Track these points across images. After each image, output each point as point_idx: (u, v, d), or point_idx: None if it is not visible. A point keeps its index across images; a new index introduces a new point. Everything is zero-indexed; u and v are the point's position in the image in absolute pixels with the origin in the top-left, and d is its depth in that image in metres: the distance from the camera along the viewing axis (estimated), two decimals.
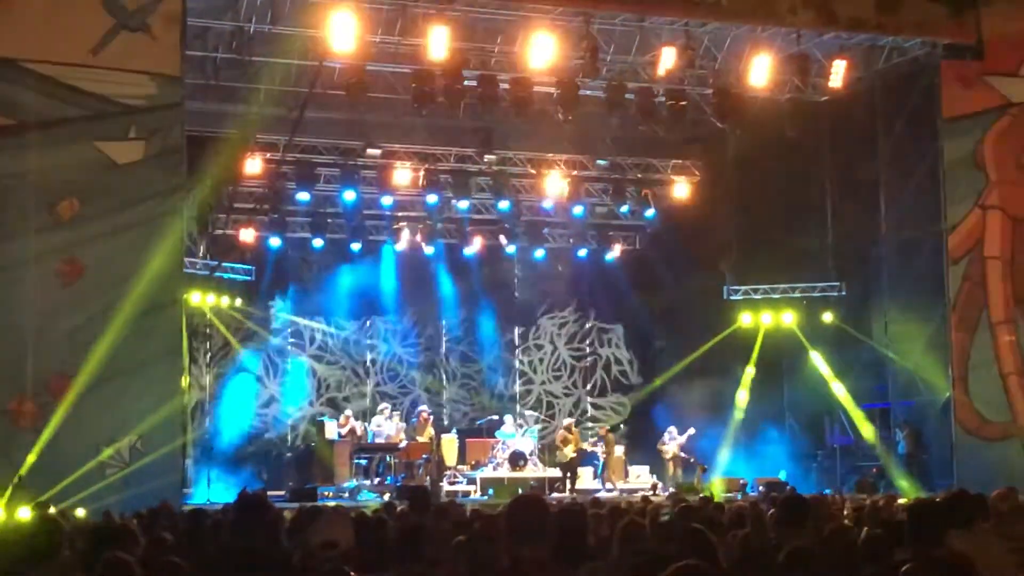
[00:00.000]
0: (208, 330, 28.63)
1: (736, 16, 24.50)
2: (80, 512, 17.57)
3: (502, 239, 31.73)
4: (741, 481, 26.73)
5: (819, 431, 28.57)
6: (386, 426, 27.59)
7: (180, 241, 22.31)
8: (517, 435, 28.81)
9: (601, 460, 28.19)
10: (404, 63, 24.35)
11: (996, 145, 25.00)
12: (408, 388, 31.91)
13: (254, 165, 27.34)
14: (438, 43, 23.03)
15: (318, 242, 30.23)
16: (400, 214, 30.93)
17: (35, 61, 21.08)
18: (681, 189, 30.95)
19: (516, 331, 33.31)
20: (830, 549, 7.60)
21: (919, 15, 24.61)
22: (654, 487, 26.77)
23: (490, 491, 25.79)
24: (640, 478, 28.51)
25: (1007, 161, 25.05)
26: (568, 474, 26.92)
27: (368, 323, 31.69)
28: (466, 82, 24.26)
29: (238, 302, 28.80)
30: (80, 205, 21.16)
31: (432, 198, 29.59)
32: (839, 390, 27.61)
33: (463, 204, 30.40)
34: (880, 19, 24.44)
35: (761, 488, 25.65)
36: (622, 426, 30.89)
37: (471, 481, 27.03)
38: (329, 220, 30.19)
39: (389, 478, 26.58)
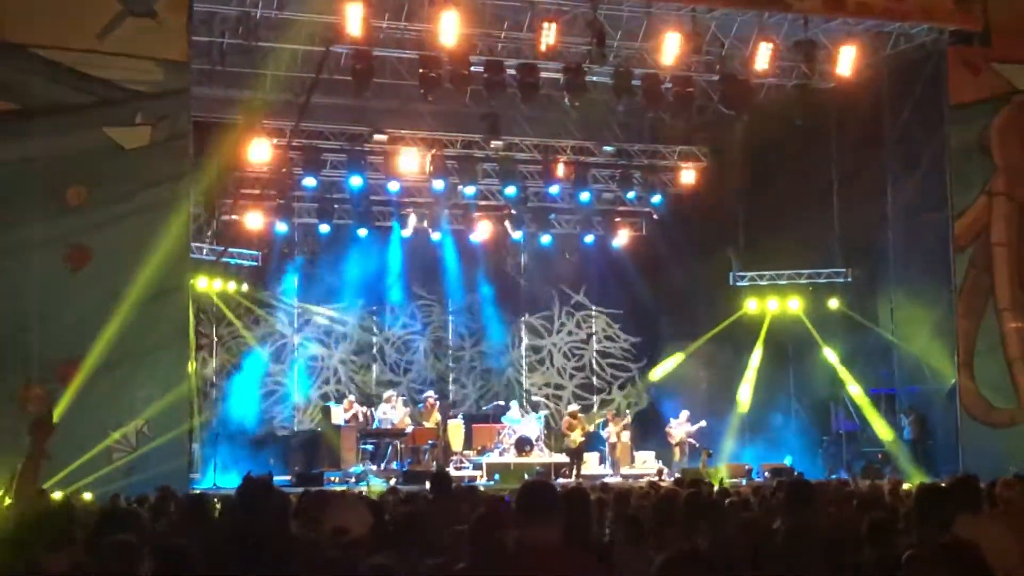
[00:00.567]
0: (215, 315, 28.68)
1: (743, 2, 24.50)
2: (87, 496, 17.66)
3: (508, 225, 31.73)
4: (746, 467, 26.78)
5: (825, 417, 28.56)
6: (391, 413, 27.64)
7: (187, 226, 22.36)
8: (523, 421, 28.86)
9: (609, 444, 28.18)
10: (411, 49, 24.34)
11: (1003, 132, 24.99)
12: (415, 374, 31.94)
13: (261, 150, 27.32)
14: (446, 29, 23.02)
15: (325, 228, 30.26)
16: (406, 200, 30.90)
17: (42, 47, 21.13)
18: (688, 176, 30.92)
19: (522, 317, 33.32)
20: (833, 532, 7.63)
21: (926, 1, 24.58)
22: (660, 472, 26.80)
23: (496, 476, 25.82)
24: (646, 464, 28.54)
25: (1014, 148, 25.03)
26: (574, 460, 26.95)
27: (374, 309, 31.71)
28: (473, 68, 24.25)
29: (245, 287, 28.87)
30: (87, 191, 21.23)
31: (439, 184, 29.56)
32: (845, 376, 27.61)
33: (470, 190, 30.39)
34: (887, 5, 24.40)
35: (767, 474, 25.72)
36: (628, 412, 30.90)
37: (477, 466, 27.06)
38: (336, 206, 30.19)
39: (396, 463, 26.65)
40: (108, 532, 7.25)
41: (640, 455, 29.04)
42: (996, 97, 25.11)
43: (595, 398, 33.24)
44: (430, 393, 29.29)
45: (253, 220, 29.05)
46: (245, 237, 29.02)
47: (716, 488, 15.76)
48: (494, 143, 29.13)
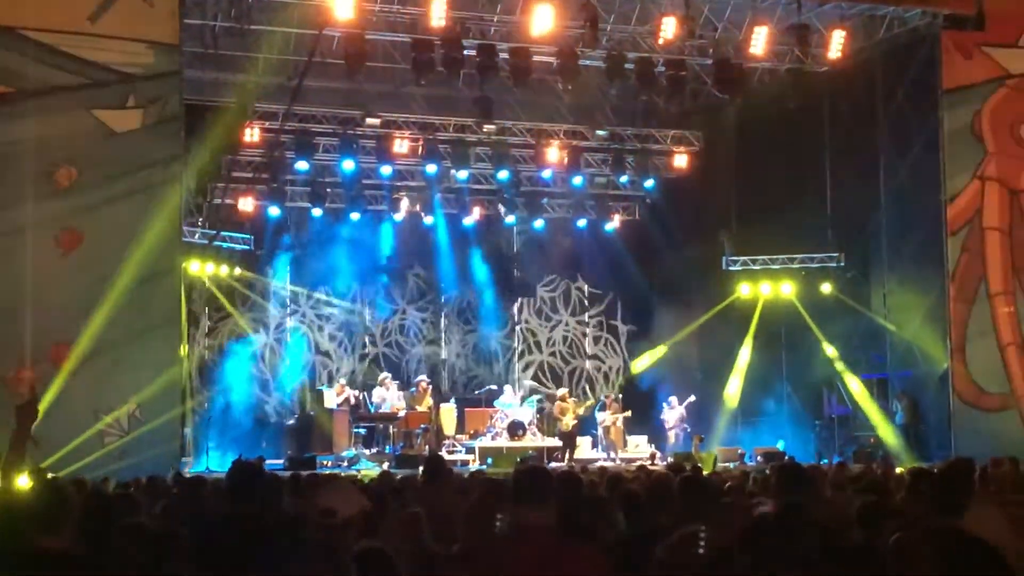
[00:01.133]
0: (207, 299, 28.65)
1: None
2: (80, 479, 17.61)
3: (501, 209, 31.74)
4: (739, 451, 26.81)
5: (817, 401, 28.59)
6: (386, 396, 27.64)
7: (178, 210, 22.34)
8: (516, 405, 28.90)
9: (604, 428, 28.17)
10: (403, 32, 24.28)
11: (994, 116, 24.97)
12: (407, 357, 31.95)
13: (253, 134, 27.31)
14: (438, 12, 22.96)
15: (317, 211, 30.21)
16: (399, 184, 30.89)
17: (33, 29, 21.08)
18: (681, 160, 30.91)
19: (515, 301, 33.33)
20: (828, 516, 7.63)
21: None
22: (652, 456, 26.82)
23: (489, 460, 25.84)
24: (639, 448, 28.57)
25: (1004, 132, 25.02)
26: (567, 444, 26.96)
27: (367, 292, 31.69)
28: (465, 52, 24.19)
29: (237, 271, 28.84)
30: (78, 173, 21.20)
31: (431, 168, 29.52)
32: (837, 361, 27.63)
33: (462, 174, 30.33)
34: None
35: (759, 458, 25.74)
36: (620, 396, 30.92)
37: (470, 450, 27.09)
38: (328, 189, 30.14)
39: (388, 447, 26.66)
40: (101, 515, 7.24)
41: (633, 439, 29.07)
42: (988, 81, 25.08)
43: (587, 382, 33.26)
44: (423, 377, 29.30)
45: (245, 204, 29.02)
46: (237, 220, 28.98)
47: (708, 472, 15.80)
48: (487, 127, 29.08)
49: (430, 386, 28.73)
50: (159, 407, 21.10)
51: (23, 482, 16.09)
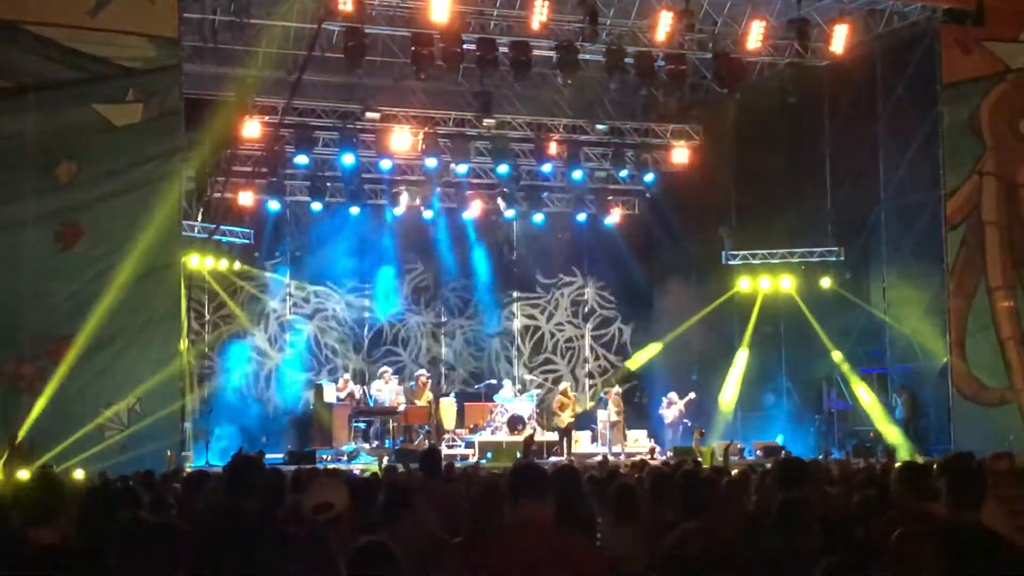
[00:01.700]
0: (206, 293, 28.65)
1: None
2: (79, 474, 17.65)
3: (501, 203, 31.68)
4: (739, 445, 26.80)
5: (817, 396, 28.59)
6: (385, 390, 27.66)
7: (178, 204, 22.36)
8: (515, 399, 28.90)
9: (604, 422, 28.13)
10: (403, 26, 24.27)
11: (993, 111, 24.97)
12: (407, 352, 31.95)
13: (252, 128, 27.26)
14: (439, 6, 22.94)
15: (317, 205, 30.17)
16: (399, 178, 30.87)
17: (34, 23, 21.07)
18: (680, 154, 30.85)
19: (515, 295, 33.32)
20: (829, 510, 7.64)
21: None
22: (652, 451, 26.83)
23: (488, 455, 25.85)
24: (638, 442, 28.57)
25: (1003, 127, 25.02)
26: (565, 438, 26.95)
27: (366, 287, 31.68)
28: (465, 46, 24.19)
29: (236, 265, 28.84)
30: (78, 167, 21.19)
31: (431, 162, 29.48)
32: (837, 355, 27.63)
33: (462, 168, 30.31)
34: None
35: (759, 452, 25.78)
36: (620, 390, 30.92)
37: (469, 445, 27.10)
38: (328, 183, 30.11)
39: (388, 441, 26.67)
40: (100, 509, 7.24)
41: (632, 433, 29.06)
42: (988, 76, 25.08)
43: (586, 377, 33.28)
44: (422, 371, 29.34)
45: (245, 198, 28.99)
46: (237, 215, 28.97)
47: (708, 466, 15.80)
48: (486, 121, 29.04)
49: (430, 380, 28.79)
50: (159, 401, 21.12)
51: (23, 476, 16.14)
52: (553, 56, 24.94)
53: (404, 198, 30.97)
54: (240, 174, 28.95)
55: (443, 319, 32.61)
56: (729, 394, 29.32)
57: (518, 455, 24.67)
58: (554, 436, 27.44)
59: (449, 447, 26.65)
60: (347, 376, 28.79)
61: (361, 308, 31.63)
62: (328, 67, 26.19)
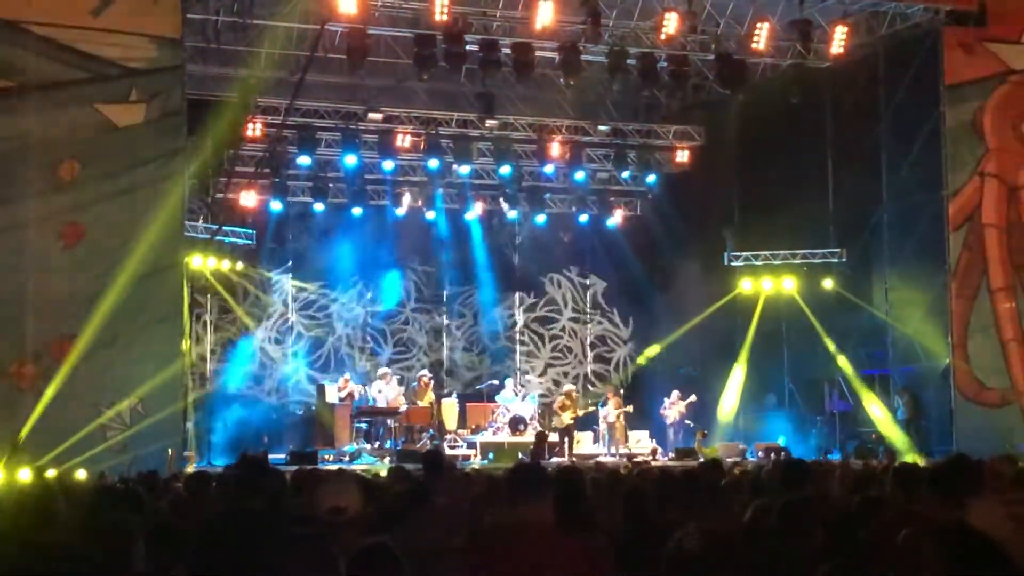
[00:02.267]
0: (209, 293, 28.65)
1: None
2: (81, 474, 17.64)
3: (503, 204, 31.70)
4: (741, 446, 26.81)
5: (819, 397, 28.60)
6: (386, 390, 27.67)
7: (181, 204, 22.35)
8: (517, 400, 28.90)
9: (607, 423, 28.09)
10: (406, 27, 24.27)
11: (995, 112, 24.97)
12: (409, 352, 31.98)
13: (255, 129, 27.28)
14: (441, 7, 22.95)
15: (319, 206, 30.21)
16: (401, 179, 30.90)
17: (36, 23, 21.05)
18: (682, 155, 30.86)
19: (517, 296, 33.34)
20: (831, 511, 7.64)
21: None
22: (654, 452, 26.82)
23: (490, 455, 25.86)
24: (640, 443, 28.55)
25: (1005, 129, 25.03)
26: (566, 439, 26.92)
27: (369, 287, 31.70)
28: (468, 47, 24.19)
29: (239, 266, 28.87)
30: (80, 167, 21.19)
31: (433, 163, 29.50)
32: (839, 356, 27.62)
33: (464, 169, 30.31)
34: None
35: (760, 453, 25.76)
36: (621, 391, 30.92)
37: (471, 445, 27.09)
38: (330, 184, 30.18)
39: (389, 442, 26.68)
40: (104, 511, 7.24)
41: (634, 434, 29.05)
42: (990, 77, 25.08)
43: (589, 377, 33.27)
44: (424, 372, 29.35)
45: (247, 198, 29.03)
46: (239, 215, 28.99)
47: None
48: (489, 122, 29.04)
49: (431, 381, 28.79)
50: (161, 401, 21.10)
51: (24, 476, 16.14)
52: (555, 57, 24.96)
53: (406, 199, 31.00)
54: (243, 175, 28.96)
55: (445, 320, 32.63)
56: (731, 395, 29.31)
57: (525, 453, 24.69)
58: (554, 437, 27.41)
59: (451, 448, 26.66)
60: (347, 376, 28.79)
61: (362, 308, 31.64)
62: (331, 68, 26.20)
